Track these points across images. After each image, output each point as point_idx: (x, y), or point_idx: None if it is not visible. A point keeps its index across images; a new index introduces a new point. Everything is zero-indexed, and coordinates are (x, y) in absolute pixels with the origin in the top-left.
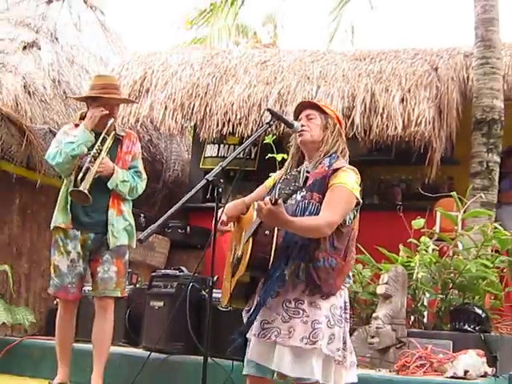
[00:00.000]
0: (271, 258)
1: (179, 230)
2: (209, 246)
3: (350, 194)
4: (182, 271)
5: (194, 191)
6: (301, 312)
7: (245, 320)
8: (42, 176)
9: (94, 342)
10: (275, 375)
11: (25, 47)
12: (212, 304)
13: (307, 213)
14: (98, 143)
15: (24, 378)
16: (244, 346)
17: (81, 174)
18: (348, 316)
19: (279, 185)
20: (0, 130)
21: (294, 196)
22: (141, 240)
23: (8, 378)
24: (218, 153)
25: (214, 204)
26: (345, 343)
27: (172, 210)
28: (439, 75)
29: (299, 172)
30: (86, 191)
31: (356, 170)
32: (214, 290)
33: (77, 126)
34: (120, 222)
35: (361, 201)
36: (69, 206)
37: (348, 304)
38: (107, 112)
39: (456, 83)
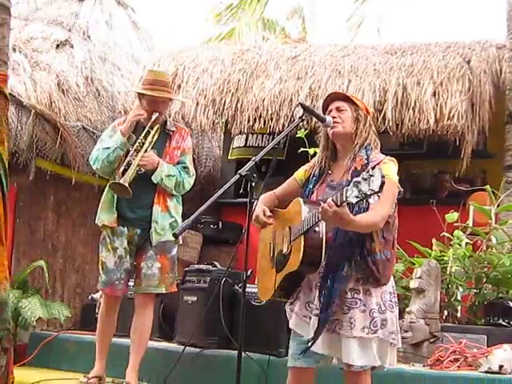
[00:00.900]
0: (323, 255)
1: (211, 226)
2: (241, 241)
3: (394, 186)
4: (215, 266)
5: (227, 186)
6: (358, 302)
7: (288, 313)
8: (76, 173)
9: (133, 337)
10: (320, 362)
11: (58, 45)
12: (246, 298)
13: (356, 208)
14: (141, 137)
15: (61, 372)
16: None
17: (122, 168)
18: (396, 300)
19: (347, 186)
20: (35, 128)
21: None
22: (175, 234)
23: (45, 372)
24: (246, 143)
25: (246, 199)
26: (396, 327)
27: (205, 205)
28: (471, 68)
29: (372, 175)
30: (125, 184)
31: (394, 159)
32: (247, 285)
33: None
34: (165, 219)
35: (402, 190)
36: (115, 204)
37: (395, 288)
38: (142, 116)
39: (489, 76)
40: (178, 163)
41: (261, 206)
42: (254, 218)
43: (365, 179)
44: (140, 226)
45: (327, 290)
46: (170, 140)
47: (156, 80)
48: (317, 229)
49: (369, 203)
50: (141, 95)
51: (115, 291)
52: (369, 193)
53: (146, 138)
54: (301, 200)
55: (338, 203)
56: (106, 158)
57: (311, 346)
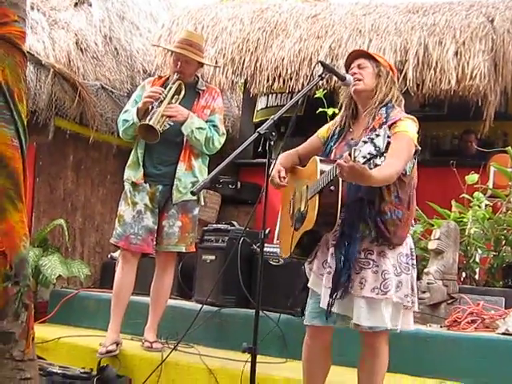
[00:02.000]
0: (338, 215)
1: (230, 186)
2: (260, 201)
3: (411, 142)
4: (234, 226)
5: (246, 144)
6: (371, 262)
7: (307, 272)
8: (94, 132)
9: (153, 295)
10: (338, 322)
11: (76, 4)
12: (263, 258)
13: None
14: (165, 90)
15: (81, 329)
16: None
17: (148, 117)
18: (414, 262)
19: (356, 146)
20: (53, 87)
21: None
22: (193, 192)
23: (66, 328)
24: (267, 103)
25: (264, 160)
26: (412, 289)
27: (224, 163)
28: (495, 27)
29: (378, 135)
30: (152, 124)
31: (414, 118)
32: (265, 244)
33: (160, 78)
34: (188, 177)
35: (419, 148)
36: (141, 161)
37: (413, 250)
38: (152, 100)
39: None
40: (207, 122)
41: (277, 166)
42: (270, 179)
43: (372, 139)
44: (162, 182)
45: (343, 250)
46: (198, 98)
47: (185, 39)
48: (332, 188)
49: (376, 164)
50: (170, 53)
51: (129, 245)
52: (375, 153)
53: (168, 91)
54: (317, 158)
55: (352, 158)
56: (124, 130)
57: (330, 306)
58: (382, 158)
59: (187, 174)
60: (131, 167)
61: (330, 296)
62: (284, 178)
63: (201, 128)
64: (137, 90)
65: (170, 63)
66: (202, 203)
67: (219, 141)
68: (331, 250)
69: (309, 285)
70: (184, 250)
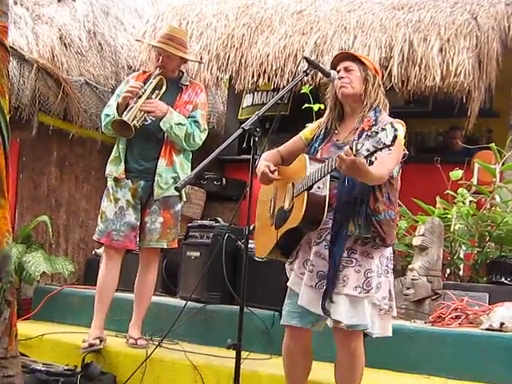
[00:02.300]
0: (325, 213)
1: (215, 182)
2: (244, 197)
3: (401, 145)
4: (218, 222)
5: (230, 140)
6: (353, 261)
7: (288, 272)
8: (78, 128)
9: (136, 292)
10: (315, 326)
11: None
12: (248, 254)
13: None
14: (145, 85)
15: (65, 326)
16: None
17: (125, 112)
18: (392, 267)
19: (359, 139)
20: (37, 82)
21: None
22: (177, 188)
23: (50, 325)
24: (252, 101)
25: (249, 156)
26: (390, 293)
27: (208, 159)
28: (479, 24)
29: (384, 129)
30: (125, 119)
31: (403, 122)
32: (249, 240)
33: (144, 73)
34: (169, 173)
35: (407, 153)
36: (123, 157)
37: (392, 255)
38: (131, 95)
39: (497, 32)
40: (189, 118)
41: (265, 162)
42: (259, 174)
43: (376, 133)
44: (144, 178)
45: (334, 249)
46: (181, 94)
47: (167, 34)
48: (320, 185)
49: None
50: (153, 48)
51: (111, 242)
52: (380, 146)
53: (148, 86)
54: (306, 156)
55: (354, 152)
56: (105, 125)
57: (325, 305)
58: (389, 150)
59: (168, 170)
60: (113, 162)
61: (324, 297)
62: (275, 170)
63: (180, 124)
64: (121, 85)
65: (152, 58)
66: (185, 199)
67: (200, 137)
68: (315, 248)
69: (288, 284)
70: (166, 246)
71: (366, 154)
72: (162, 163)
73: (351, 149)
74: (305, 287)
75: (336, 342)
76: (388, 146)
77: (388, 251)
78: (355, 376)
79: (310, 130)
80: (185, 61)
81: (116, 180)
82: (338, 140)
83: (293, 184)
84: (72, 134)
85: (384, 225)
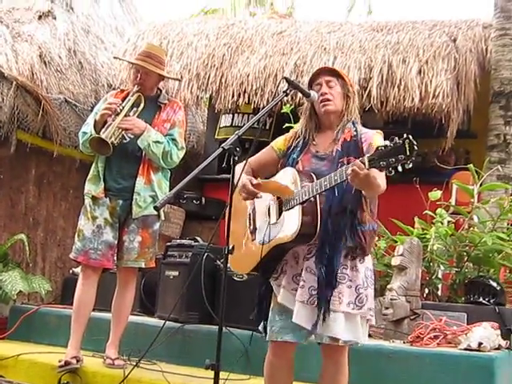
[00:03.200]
0: (319, 225)
1: (194, 201)
2: (224, 216)
3: None
4: (197, 241)
5: (210, 159)
6: (346, 277)
7: (275, 288)
8: (57, 146)
9: (114, 311)
10: (308, 339)
11: (40, 17)
12: (227, 273)
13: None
14: (123, 103)
15: (41, 346)
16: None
17: (103, 130)
18: (373, 278)
19: (374, 152)
20: (16, 100)
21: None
22: (156, 207)
23: (26, 345)
24: (232, 122)
25: (229, 175)
26: (372, 303)
27: (188, 178)
28: (457, 47)
29: (403, 143)
30: (103, 137)
31: (381, 131)
32: (228, 260)
33: (122, 91)
34: (147, 192)
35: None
36: (102, 175)
37: (372, 266)
38: (110, 112)
39: (474, 55)
40: (167, 136)
41: (245, 176)
42: (240, 187)
43: (393, 147)
44: (122, 196)
45: (326, 262)
46: (159, 112)
47: (145, 51)
48: (312, 199)
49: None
50: (131, 66)
51: (88, 260)
52: (401, 160)
53: (126, 103)
54: (294, 170)
55: (367, 165)
56: (83, 143)
57: (318, 322)
58: (409, 160)
59: (146, 189)
60: (92, 181)
61: (319, 311)
62: (258, 184)
63: (158, 142)
64: (99, 102)
65: (130, 76)
66: (163, 218)
67: (178, 155)
68: (306, 263)
69: (279, 300)
70: (143, 266)
71: (383, 166)
72: (140, 181)
73: (364, 163)
74: (297, 303)
75: (323, 356)
76: (406, 160)
77: (370, 262)
78: None
79: (283, 140)
80: (163, 78)
81: (94, 198)
82: (317, 151)
83: (278, 198)
84: (53, 153)
85: (367, 235)
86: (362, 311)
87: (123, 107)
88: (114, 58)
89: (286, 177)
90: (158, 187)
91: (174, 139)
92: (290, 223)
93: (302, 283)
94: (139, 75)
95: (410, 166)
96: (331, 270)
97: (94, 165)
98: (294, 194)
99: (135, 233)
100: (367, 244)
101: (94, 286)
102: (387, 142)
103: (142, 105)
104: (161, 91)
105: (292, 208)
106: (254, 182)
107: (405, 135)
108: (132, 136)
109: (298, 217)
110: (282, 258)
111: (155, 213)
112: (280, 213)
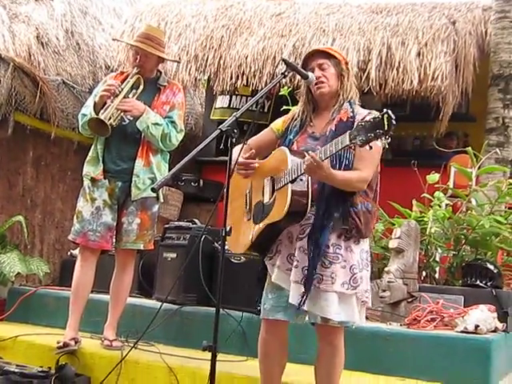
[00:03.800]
0: (309, 205)
1: (192, 184)
2: (221, 198)
3: (379, 147)
4: (195, 223)
5: (207, 141)
6: (339, 257)
7: (269, 267)
8: (55, 128)
9: (112, 293)
10: (297, 318)
11: None
12: (224, 255)
13: (343, 159)
14: (123, 85)
15: (40, 327)
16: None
17: (102, 111)
18: (370, 260)
19: (354, 128)
20: (13, 81)
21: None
22: (153, 189)
23: (24, 327)
24: (229, 104)
25: (226, 157)
26: (369, 285)
27: (185, 159)
28: (457, 29)
29: (381, 118)
30: (102, 118)
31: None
32: (226, 242)
33: (122, 73)
34: (146, 174)
35: (387, 147)
36: (101, 157)
37: (369, 249)
38: (109, 94)
39: (474, 37)
40: (166, 118)
41: (240, 155)
42: (237, 166)
43: (372, 121)
44: (121, 178)
45: (316, 242)
46: (159, 94)
47: (144, 33)
48: (303, 178)
49: (352, 160)
50: (130, 47)
51: (87, 242)
52: (379, 134)
53: (125, 85)
54: (286, 149)
55: (323, 158)
56: (82, 125)
57: (304, 300)
58: (386, 138)
59: (145, 171)
60: (91, 163)
61: (304, 287)
62: (250, 156)
63: (157, 124)
64: (98, 85)
65: (129, 58)
66: (162, 200)
67: (176, 137)
68: (298, 243)
69: (273, 280)
70: (142, 248)
71: (360, 143)
72: (139, 164)
73: (349, 136)
74: (292, 284)
75: (318, 338)
76: (384, 134)
77: (366, 244)
78: (336, 372)
79: (281, 121)
80: (162, 60)
81: (93, 180)
82: (314, 132)
83: (272, 177)
84: (50, 135)
85: (361, 215)
86: (357, 291)
87: (122, 89)
88: (113, 39)
89: (278, 157)
90: (157, 169)
91: (173, 121)
92: (280, 203)
93: (295, 263)
94: (138, 57)
95: (389, 140)
96: (318, 251)
97: (93, 146)
98: (284, 173)
99: (134, 215)
100: (363, 225)
101: (93, 267)
102: (369, 117)
103: (141, 87)
104: (160, 73)
105: (283, 187)
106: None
107: (384, 110)
108: (131, 118)
109: (287, 195)
110: (277, 238)
111: (154, 195)
112: (273, 192)
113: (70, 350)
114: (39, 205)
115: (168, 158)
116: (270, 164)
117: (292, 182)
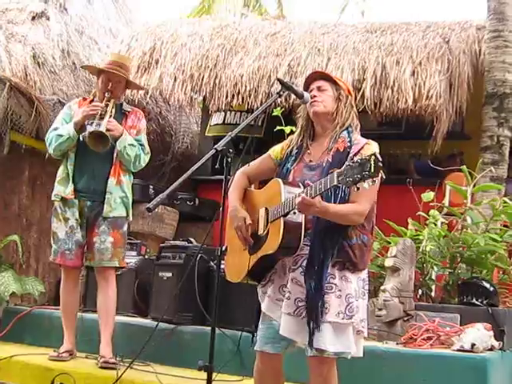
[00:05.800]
0: (302, 239)
1: (188, 202)
2: (217, 217)
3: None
4: (191, 242)
5: (203, 160)
6: (333, 287)
7: (260, 295)
8: None
9: (99, 311)
10: (288, 349)
11: (34, 17)
12: (220, 275)
13: (339, 192)
14: (103, 105)
15: (34, 347)
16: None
17: (93, 126)
18: (368, 288)
19: (343, 168)
20: (9, 101)
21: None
22: (149, 208)
23: (19, 347)
24: (224, 120)
25: (222, 176)
26: (365, 314)
27: (181, 178)
28: (451, 48)
29: (367, 160)
30: (104, 131)
31: (376, 143)
32: (222, 261)
33: (85, 99)
34: (118, 192)
35: (384, 177)
36: (71, 177)
37: (367, 278)
38: (95, 113)
39: (468, 56)
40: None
41: (241, 211)
42: (235, 225)
43: (360, 163)
44: (90, 198)
45: (313, 275)
46: (125, 119)
47: (115, 61)
48: (296, 211)
49: (348, 192)
50: (97, 73)
51: (65, 261)
52: (366, 176)
53: (107, 107)
54: (280, 181)
55: (328, 186)
56: (58, 146)
57: (311, 338)
58: (372, 181)
59: (117, 189)
60: (61, 183)
61: (309, 325)
62: (250, 224)
63: (132, 145)
64: (63, 109)
65: (97, 83)
66: (131, 219)
67: (144, 159)
68: (291, 275)
69: (263, 309)
70: (118, 265)
71: (350, 184)
72: (111, 182)
73: (337, 177)
74: (284, 316)
75: (310, 368)
76: (372, 176)
77: (364, 273)
78: None
79: (280, 148)
80: (128, 87)
81: (64, 200)
82: (311, 161)
83: (266, 209)
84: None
85: (356, 249)
86: (353, 321)
87: (106, 110)
88: (82, 67)
89: (273, 188)
90: (127, 188)
91: (142, 144)
92: (273, 236)
93: (287, 294)
94: (111, 83)
95: (376, 183)
96: (320, 286)
97: (62, 167)
98: (278, 205)
99: (106, 234)
100: (358, 258)
101: (76, 284)
102: (357, 158)
103: (113, 110)
104: (122, 100)
105: (275, 220)
106: (248, 221)
107: (372, 153)
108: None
109: (280, 229)
110: (273, 267)
111: (124, 214)
112: (267, 223)
113: (61, 360)
114: (35, 224)
115: (132, 177)
116: (267, 194)
117: (285, 216)
